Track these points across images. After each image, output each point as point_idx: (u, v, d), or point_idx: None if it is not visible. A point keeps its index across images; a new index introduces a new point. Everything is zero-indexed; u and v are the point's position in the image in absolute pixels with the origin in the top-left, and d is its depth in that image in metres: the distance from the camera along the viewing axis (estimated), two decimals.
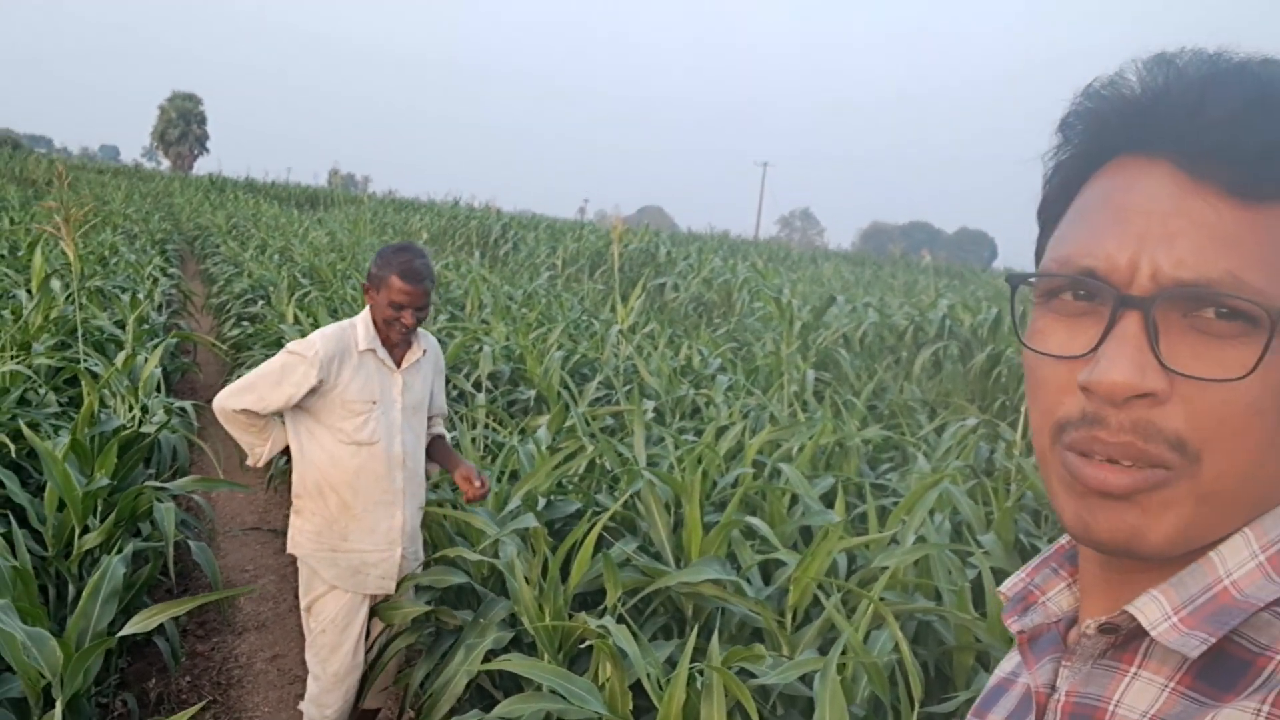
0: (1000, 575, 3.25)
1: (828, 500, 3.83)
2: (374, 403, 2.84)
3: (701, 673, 2.30)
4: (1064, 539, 0.72)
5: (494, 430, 4.97)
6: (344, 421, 2.82)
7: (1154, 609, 0.58)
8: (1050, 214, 0.66)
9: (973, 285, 20.90)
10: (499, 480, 3.73)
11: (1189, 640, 0.56)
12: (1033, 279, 0.63)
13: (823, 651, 2.65)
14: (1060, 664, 0.66)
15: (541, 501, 3.48)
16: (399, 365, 2.91)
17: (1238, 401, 0.54)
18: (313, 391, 2.80)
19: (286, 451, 3.01)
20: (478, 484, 2.98)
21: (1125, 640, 0.62)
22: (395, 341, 2.88)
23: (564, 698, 2.35)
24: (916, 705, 2.40)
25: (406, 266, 2.77)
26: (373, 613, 3.05)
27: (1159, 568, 0.60)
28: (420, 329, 3.03)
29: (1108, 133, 0.61)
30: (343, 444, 2.83)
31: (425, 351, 2.98)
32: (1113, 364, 0.55)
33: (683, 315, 10.83)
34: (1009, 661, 0.79)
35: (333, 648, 2.94)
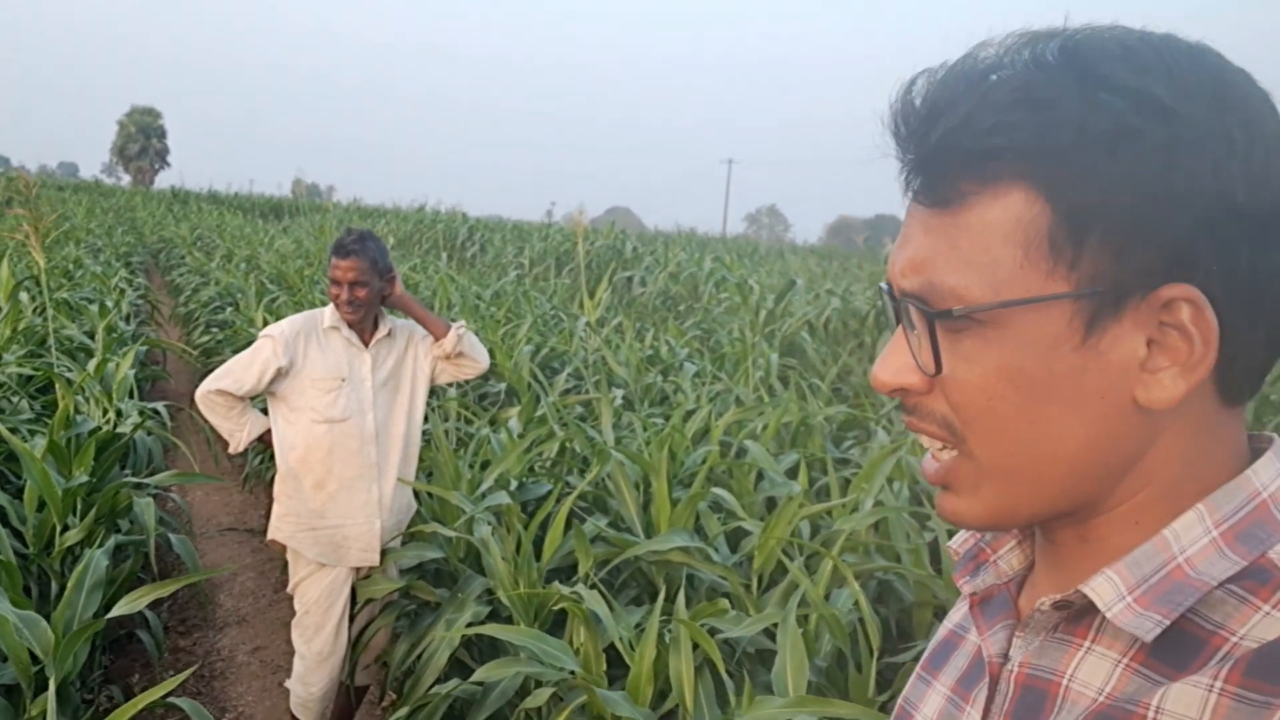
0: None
1: (792, 475, 3.96)
2: (342, 380, 2.98)
3: (671, 630, 2.41)
4: None
5: (466, 422, 5.06)
6: (315, 400, 2.96)
7: (1108, 589, 0.58)
8: None
9: None
10: (471, 468, 3.82)
11: (1143, 621, 0.56)
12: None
13: None
14: (1013, 633, 0.67)
15: (514, 484, 3.58)
16: (366, 344, 3.03)
17: (969, 389, 0.59)
18: (285, 374, 2.95)
19: (263, 442, 3.13)
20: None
21: (1078, 614, 0.62)
22: (348, 320, 3.00)
23: (540, 660, 2.46)
24: (876, 655, 2.53)
25: (335, 244, 2.97)
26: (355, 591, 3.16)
27: (1100, 543, 0.61)
28: (393, 317, 3.14)
29: None
30: (316, 423, 2.96)
31: (391, 331, 3.08)
32: (877, 363, 0.64)
33: (650, 309, 10.96)
34: (958, 612, 0.79)
35: (316, 628, 3.05)
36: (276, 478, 3.09)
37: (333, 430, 2.98)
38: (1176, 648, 0.56)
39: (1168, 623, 0.55)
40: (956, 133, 0.57)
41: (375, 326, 3.07)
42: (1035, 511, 0.61)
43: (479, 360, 3.16)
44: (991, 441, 0.59)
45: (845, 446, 4.81)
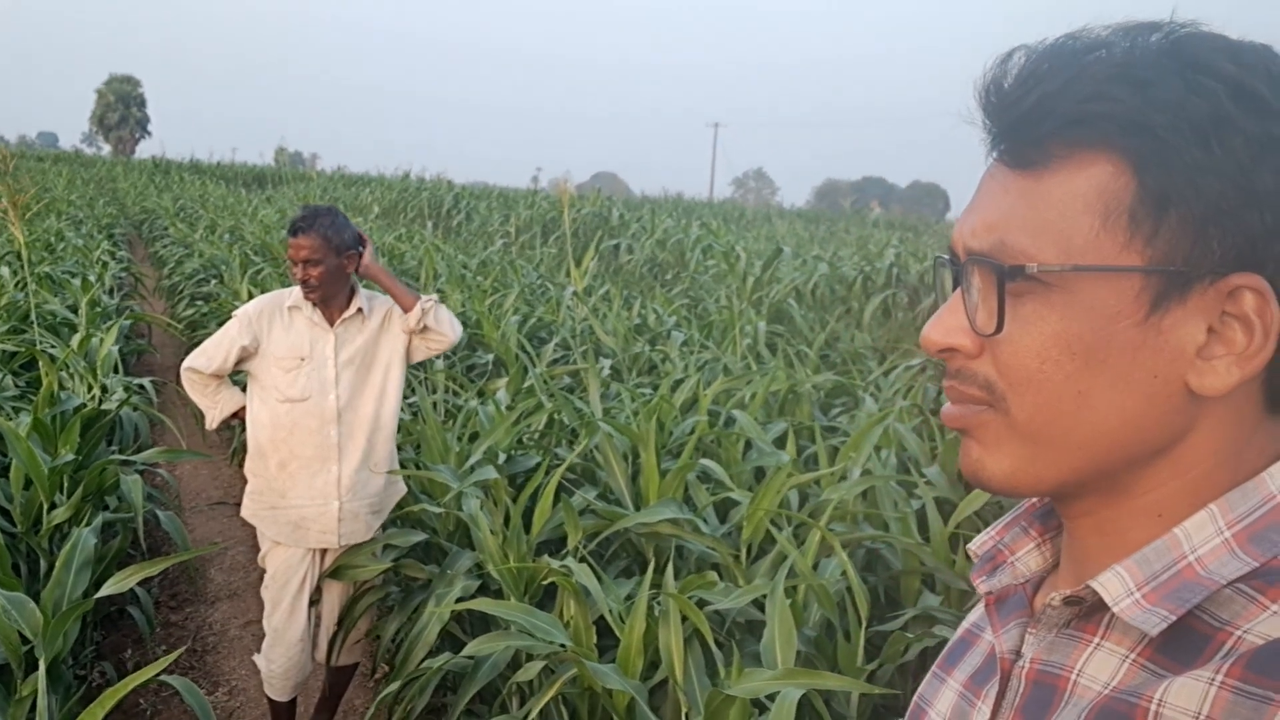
0: (944, 505, 3.41)
1: (780, 444, 3.97)
2: (302, 359, 2.96)
3: (660, 603, 2.42)
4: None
5: (454, 394, 5.06)
6: (277, 379, 2.96)
7: (1116, 585, 0.59)
8: None
9: (925, 236, 21.17)
10: (459, 441, 3.82)
11: (1150, 617, 0.57)
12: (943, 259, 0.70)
13: None
14: (1026, 630, 0.67)
15: (502, 457, 3.58)
16: (332, 323, 3.00)
17: (1023, 351, 0.59)
18: (252, 353, 2.97)
19: (239, 418, 3.12)
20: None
21: (1089, 611, 0.63)
22: (308, 298, 2.97)
23: (530, 634, 2.47)
24: (864, 624, 2.55)
25: (289, 224, 2.97)
26: (338, 575, 3.14)
27: (1118, 536, 0.62)
28: (370, 292, 3.11)
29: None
30: (279, 402, 2.96)
31: (361, 309, 3.03)
32: (928, 324, 0.64)
33: (637, 277, 10.94)
34: (975, 612, 0.80)
35: (274, 603, 3.06)
36: (247, 456, 3.10)
37: (293, 410, 2.96)
38: (1183, 644, 0.57)
39: (1174, 618, 0.56)
40: (1054, 97, 0.58)
41: (348, 303, 3.05)
42: (1059, 479, 0.61)
43: (446, 334, 3.07)
44: (1034, 406, 0.59)
45: (834, 414, 4.83)
